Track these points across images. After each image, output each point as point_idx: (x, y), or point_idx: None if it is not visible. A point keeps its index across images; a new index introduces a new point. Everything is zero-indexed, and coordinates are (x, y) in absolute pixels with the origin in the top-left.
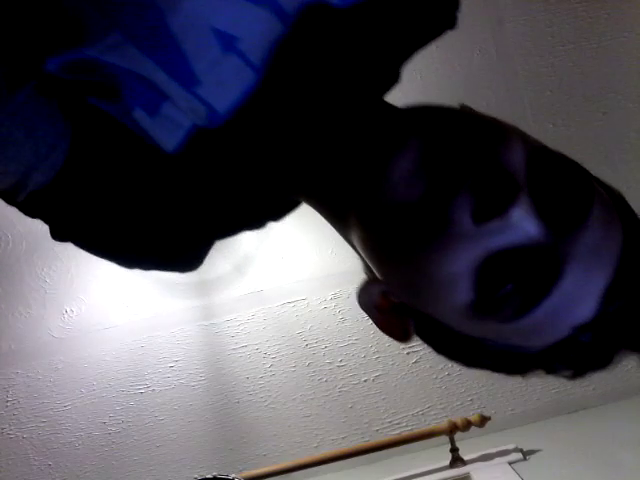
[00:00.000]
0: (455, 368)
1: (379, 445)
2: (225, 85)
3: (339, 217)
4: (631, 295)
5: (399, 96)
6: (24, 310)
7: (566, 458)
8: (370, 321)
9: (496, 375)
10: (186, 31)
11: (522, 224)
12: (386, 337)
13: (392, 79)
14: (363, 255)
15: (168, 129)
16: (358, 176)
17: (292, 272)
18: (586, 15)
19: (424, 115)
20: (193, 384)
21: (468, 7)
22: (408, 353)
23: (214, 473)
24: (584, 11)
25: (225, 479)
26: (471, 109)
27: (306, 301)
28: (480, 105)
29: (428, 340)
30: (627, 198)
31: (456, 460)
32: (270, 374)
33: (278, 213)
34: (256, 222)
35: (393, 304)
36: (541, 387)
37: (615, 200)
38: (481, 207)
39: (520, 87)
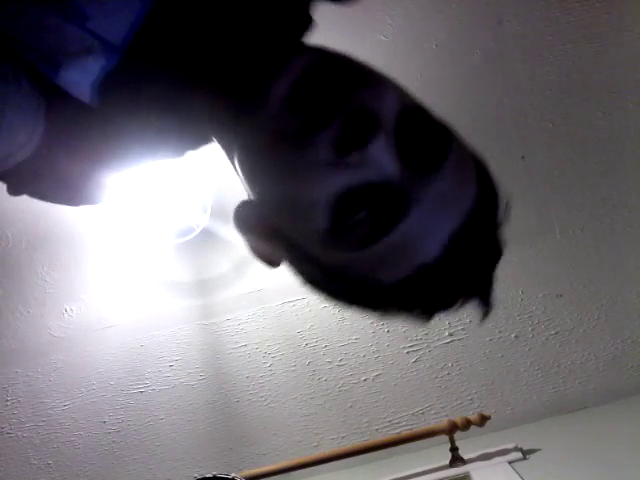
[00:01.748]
0: (455, 367)
1: (379, 444)
2: (114, 16)
3: (227, 138)
4: (474, 247)
5: None
6: (24, 309)
7: (566, 458)
8: (370, 320)
9: (493, 375)
10: None
11: (379, 160)
12: (386, 336)
13: (302, 23)
14: (242, 175)
15: (75, 81)
16: (244, 96)
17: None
18: (586, 15)
19: (314, 51)
20: (193, 383)
21: (468, 7)
22: (408, 352)
23: (214, 472)
24: (584, 11)
25: (225, 478)
26: (360, 60)
27: (306, 300)
28: (480, 105)
29: (296, 269)
30: (626, 198)
31: (456, 459)
32: (270, 373)
33: (192, 140)
34: (175, 148)
35: (265, 228)
36: (541, 387)
37: (479, 167)
38: (343, 140)
39: (520, 87)
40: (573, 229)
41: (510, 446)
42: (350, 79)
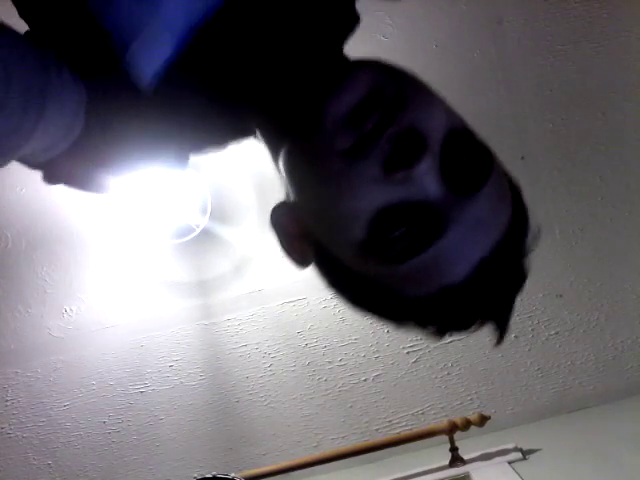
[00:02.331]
0: (455, 368)
1: (379, 444)
2: (187, 6)
3: (275, 143)
4: (501, 273)
5: None
6: (24, 309)
7: (566, 458)
8: (370, 320)
9: (493, 375)
10: None
11: (423, 180)
12: (386, 337)
13: (350, 22)
14: (286, 177)
15: (140, 66)
16: (299, 110)
17: (292, 271)
18: (586, 15)
19: (366, 67)
20: (193, 383)
21: (468, 7)
22: (408, 352)
23: (214, 472)
24: (584, 11)
25: (225, 478)
26: (414, 76)
27: (306, 300)
28: (480, 105)
29: (323, 271)
30: (626, 198)
31: (456, 459)
32: (270, 373)
33: (235, 134)
34: (219, 141)
35: (299, 230)
36: (541, 387)
37: (514, 190)
38: (392, 159)
39: (520, 87)
40: (573, 229)
41: (510, 446)
42: (404, 98)
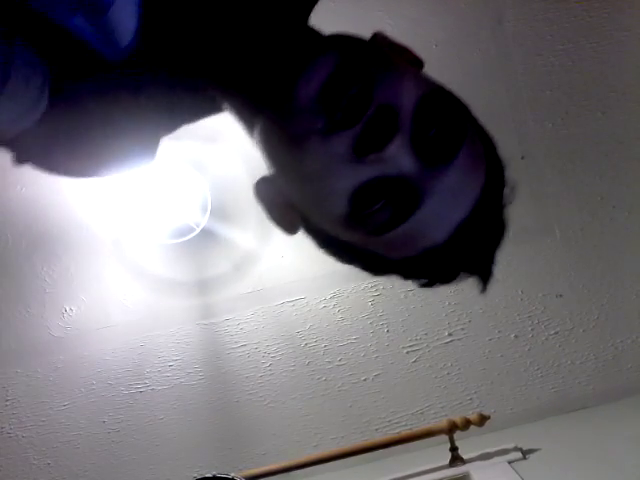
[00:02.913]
0: (455, 367)
1: (378, 444)
2: None
3: (249, 118)
4: (481, 228)
5: None
6: (24, 309)
7: (566, 457)
8: (370, 320)
9: (493, 375)
10: None
11: (396, 160)
12: (386, 336)
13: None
14: (263, 153)
15: (111, 38)
16: (271, 88)
17: (292, 271)
18: (586, 15)
19: (336, 43)
20: (192, 383)
21: (468, 7)
22: (407, 352)
23: (214, 472)
24: (584, 11)
25: (225, 478)
26: (384, 40)
27: (305, 300)
28: (480, 105)
29: (311, 236)
30: (626, 198)
31: (455, 459)
32: (269, 373)
33: (203, 111)
34: (186, 117)
35: (284, 200)
36: (541, 387)
37: (487, 146)
38: (362, 142)
39: (520, 87)
40: (573, 229)
41: (510, 446)
42: (373, 75)
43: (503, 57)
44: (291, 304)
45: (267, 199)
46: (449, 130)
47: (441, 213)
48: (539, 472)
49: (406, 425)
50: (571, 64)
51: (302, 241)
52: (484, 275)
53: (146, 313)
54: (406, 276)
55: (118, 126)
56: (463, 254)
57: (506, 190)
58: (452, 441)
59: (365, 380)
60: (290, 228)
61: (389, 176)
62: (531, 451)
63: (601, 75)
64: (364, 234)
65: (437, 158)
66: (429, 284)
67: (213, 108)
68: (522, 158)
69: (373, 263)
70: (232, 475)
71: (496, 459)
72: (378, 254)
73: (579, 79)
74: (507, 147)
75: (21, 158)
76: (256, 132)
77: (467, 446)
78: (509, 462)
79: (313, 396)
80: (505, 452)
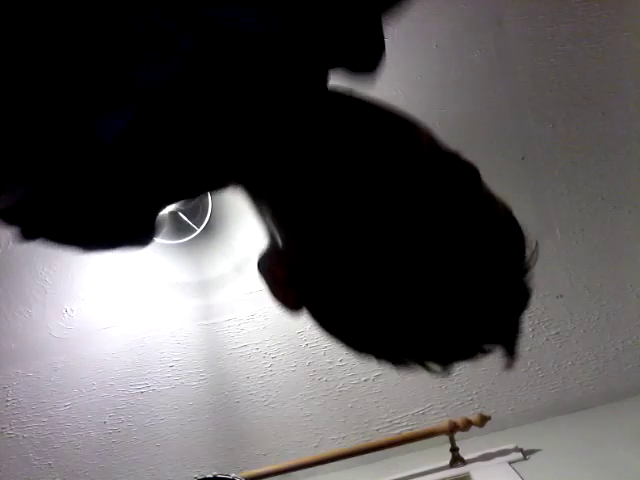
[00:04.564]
0: (455, 368)
1: (379, 445)
2: (153, 71)
3: (255, 192)
4: (499, 291)
5: (399, 95)
6: (24, 310)
7: (566, 458)
8: None
9: (494, 376)
10: (127, 19)
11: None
12: None
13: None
14: (271, 220)
15: (106, 123)
16: (283, 163)
17: None
18: (586, 15)
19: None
20: (193, 384)
21: (468, 7)
22: None
23: (214, 473)
24: (584, 11)
25: (225, 479)
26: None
27: None
28: (480, 105)
29: (315, 312)
30: (626, 198)
31: (456, 460)
32: (270, 374)
33: (205, 188)
34: (185, 194)
35: (287, 275)
36: (541, 387)
37: (505, 212)
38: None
39: (520, 87)
40: (573, 229)
41: (510, 446)
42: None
43: (503, 57)
44: None
45: (269, 273)
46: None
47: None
48: (540, 472)
49: (407, 426)
50: (571, 64)
51: None
52: (509, 346)
53: (147, 313)
54: (423, 357)
55: (112, 210)
56: (484, 318)
57: (527, 256)
58: (453, 442)
59: (366, 381)
60: (295, 304)
61: None
62: (532, 451)
63: (601, 75)
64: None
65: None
66: (447, 364)
67: (214, 188)
68: (522, 158)
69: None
70: (233, 475)
71: (497, 459)
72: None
73: (579, 79)
74: (507, 147)
75: (26, 236)
76: (266, 205)
77: (468, 446)
78: (510, 462)
79: (314, 397)
80: (506, 452)
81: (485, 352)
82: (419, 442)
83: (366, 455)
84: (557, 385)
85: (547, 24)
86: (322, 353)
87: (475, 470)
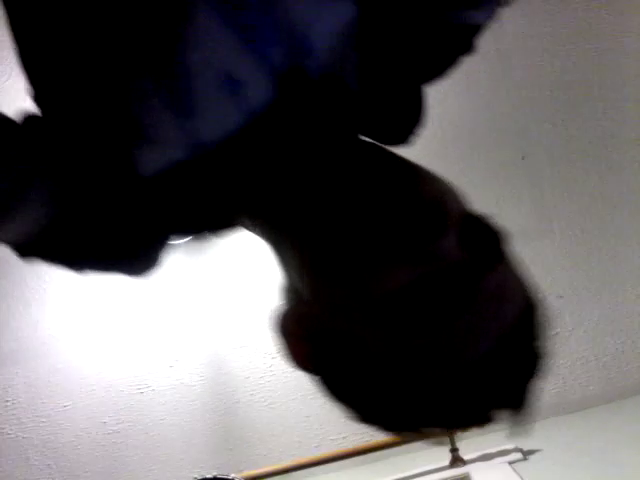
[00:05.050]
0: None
1: (379, 445)
2: (219, 123)
3: (277, 241)
4: (523, 350)
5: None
6: (24, 310)
7: (566, 458)
8: None
9: None
10: (200, 68)
11: (447, 248)
12: None
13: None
14: (297, 274)
15: (152, 158)
16: (312, 211)
17: None
18: (586, 15)
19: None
20: (193, 384)
21: None
22: None
23: (214, 473)
24: (584, 11)
25: (225, 479)
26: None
27: None
28: (480, 105)
29: (325, 372)
30: (626, 198)
31: (456, 460)
32: (270, 374)
33: (221, 228)
34: (202, 231)
35: (302, 331)
36: (541, 387)
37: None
38: (417, 235)
39: (520, 87)
40: (573, 229)
41: (510, 447)
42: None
43: (503, 57)
44: None
45: (286, 330)
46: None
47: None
48: (540, 473)
49: None
50: (571, 64)
51: None
52: (518, 413)
53: (147, 313)
54: (431, 420)
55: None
56: (495, 382)
57: (544, 325)
58: (452, 442)
59: None
60: (305, 360)
61: (435, 272)
62: (531, 452)
63: (601, 75)
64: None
65: (485, 255)
66: (456, 426)
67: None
68: (522, 158)
69: (406, 394)
70: (232, 476)
71: (497, 460)
72: (412, 375)
73: (579, 79)
74: (507, 147)
75: (27, 256)
76: (291, 252)
77: (468, 447)
78: (509, 463)
79: (314, 397)
80: (505, 453)
81: (492, 420)
82: (419, 442)
83: (366, 455)
84: (557, 385)
85: (547, 24)
86: None
87: (475, 470)
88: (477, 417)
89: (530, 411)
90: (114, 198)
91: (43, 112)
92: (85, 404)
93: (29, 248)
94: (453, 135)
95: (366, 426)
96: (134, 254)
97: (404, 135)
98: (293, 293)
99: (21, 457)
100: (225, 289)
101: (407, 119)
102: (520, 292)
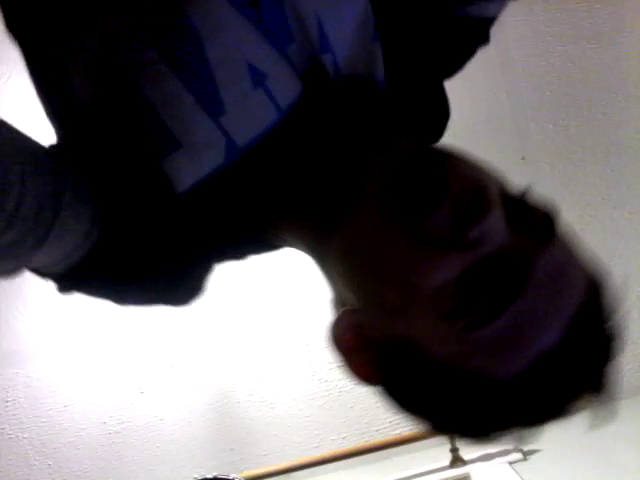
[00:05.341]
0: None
1: (379, 445)
2: (249, 119)
3: (320, 247)
4: (596, 332)
5: None
6: (24, 310)
7: (566, 458)
8: None
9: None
10: (222, 61)
11: (493, 231)
12: None
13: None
14: (342, 278)
15: (180, 170)
16: (350, 203)
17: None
18: (586, 15)
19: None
20: (193, 384)
21: None
22: None
23: (214, 473)
24: (584, 11)
25: (225, 479)
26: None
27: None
28: (480, 105)
29: (393, 384)
30: (626, 199)
31: (456, 460)
32: (270, 374)
33: (262, 248)
34: (242, 254)
35: (361, 343)
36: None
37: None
38: (459, 219)
39: (520, 87)
40: (573, 229)
41: (510, 447)
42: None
43: (503, 57)
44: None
45: (340, 342)
46: (542, 212)
47: (550, 295)
48: (540, 473)
49: (407, 426)
50: (571, 64)
51: None
52: (602, 397)
53: (147, 312)
54: (525, 417)
55: (171, 262)
56: (577, 365)
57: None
58: (453, 442)
59: None
60: (370, 375)
61: (490, 254)
62: (532, 452)
63: (601, 75)
64: (464, 331)
65: (538, 235)
66: (540, 421)
67: (275, 247)
68: (522, 159)
69: (479, 397)
70: (233, 476)
71: (497, 460)
72: (482, 374)
73: (579, 79)
74: (507, 147)
75: (66, 289)
76: (333, 257)
77: (468, 447)
78: (510, 463)
79: (314, 397)
80: (506, 453)
81: (574, 411)
82: (419, 442)
83: (366, 455)
84: None
85: (547, 24)
86: (322, 353)
87: (475, 470)
88: (558, 411)
89: (613, 393)
90: (152, 219)
91: (66, 135)
92: (85, 404)
93: (70, 279)
94: (453, 135)
95: (442, 434)
96: (179, 278)
97: (437, 131)
98: (343, 304)
99: (21, 457)
100: (225, 289)
101: (436, 114)
102: (580, 271)
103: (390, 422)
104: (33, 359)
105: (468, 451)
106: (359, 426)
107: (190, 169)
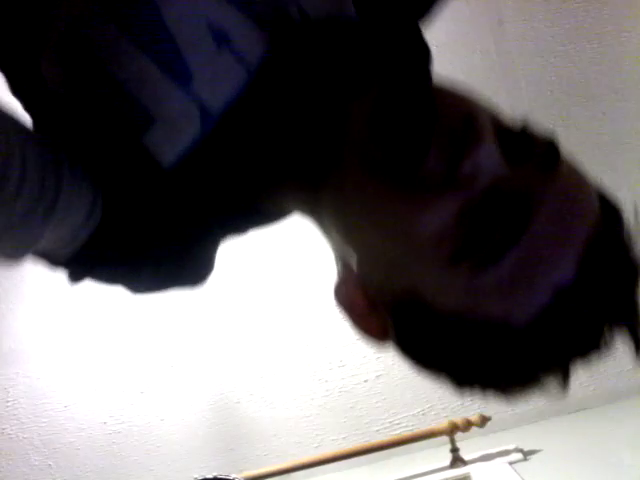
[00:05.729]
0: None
1: (379, 445)
2: (218, 81)
3: (315, 207)
4: (612, 263)
5: None
6: (24, 310)
7: (566, 458)
8: None
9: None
10: (181, 25)
11: (486, 164)
12: None
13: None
14: (340, 235)
15: (161, 145)
16: (338, 154)
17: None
18: (586, 15)
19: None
20: (193, 384)
21: (468, 7)
22: None
23: (214, 473)
24: (584, 11)
25: (225, 479)
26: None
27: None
28: None
29: (406, 340)
30: (627, 198)
31: (456, 460)
32: (270, 374)
33: (261, 218)
34: (242, 226)
35: (368, 302)
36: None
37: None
38: (449, 156)
39: (520, 87)
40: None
41: (511, 447)
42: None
43: (503, 57)
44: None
45: (347, 304)
46: (540, 142)
47: (558, 229)
48: (540, 473)
49: (407, 426)
50: (571, 64)
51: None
52: (631, 325)
53: (147, 311)
54: (544, 359)
55: (172, 236)
56: (600, 296)
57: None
58: (453, 442)
59: (366, 381)
60: (382, 334)
61: (488, 188)
62: (532, 452)
63: (601, 75)
64: (476, 267)
65: (539, 165)
66: (568, 363)
67: (277, 216)
68: None
69: (494, 347)
70: (233, 476)
71: (497, 460)
72: (496, 320)
73: (579, 79)
74: None
75: (76, 276)
76: (329, 211)
77: (468, 447)
78: (510, 463)
79: (314, 397)
80: (506, 453)
81: (608, 336)
82: (419, 443)
83: (366, 456)
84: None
85: (547, 24)
86: (322, 353)
87: (475, 471)
88: (595, 343)
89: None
90: (146, 196)
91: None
92: (85, 404)
93: (80, 262)
94: None
95: (464, 391)
96: (185, 253)
97: (420, 72)
98: (345, 265)
99: (21, 457)
100: (224, 289)
101: (416, 55)
102: (589, 198)
103: (390, 422)
104: (33, 359)
105: (468, 451)
106: (359, 426)
107: (169, 142)
